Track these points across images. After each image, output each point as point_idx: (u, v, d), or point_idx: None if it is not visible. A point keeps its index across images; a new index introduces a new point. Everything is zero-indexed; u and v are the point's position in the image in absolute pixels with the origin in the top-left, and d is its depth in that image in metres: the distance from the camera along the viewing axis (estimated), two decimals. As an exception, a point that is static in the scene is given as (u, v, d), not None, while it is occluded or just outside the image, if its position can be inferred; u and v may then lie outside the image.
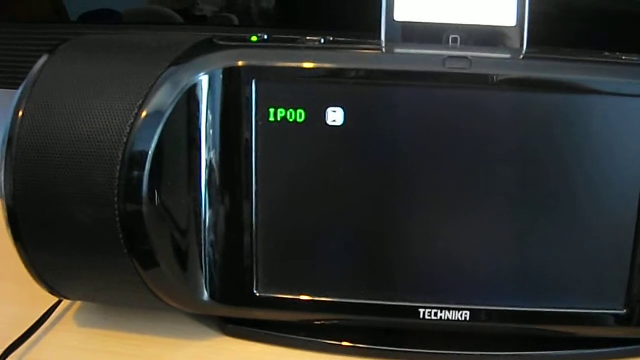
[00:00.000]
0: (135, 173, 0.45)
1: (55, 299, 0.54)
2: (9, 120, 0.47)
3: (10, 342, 0.49)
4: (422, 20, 0.49)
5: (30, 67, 0.48)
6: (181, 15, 0.82)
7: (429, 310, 0.48)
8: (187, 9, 0.83)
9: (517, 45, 0.49)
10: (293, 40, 0.48)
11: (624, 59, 0.47)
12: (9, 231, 0.47)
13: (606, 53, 0.48)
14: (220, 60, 0.46)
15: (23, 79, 0.48)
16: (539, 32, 0.50)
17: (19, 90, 0.47)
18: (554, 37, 0.54)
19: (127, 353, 0.50)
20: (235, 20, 0.82)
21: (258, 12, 0.83)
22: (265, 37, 0.49)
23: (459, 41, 0.49)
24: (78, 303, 0.56)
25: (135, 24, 0.80)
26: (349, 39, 0.49)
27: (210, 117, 0.47)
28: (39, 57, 0.49)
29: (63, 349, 0.50)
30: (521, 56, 0.48)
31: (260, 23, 0.78)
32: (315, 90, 0.46)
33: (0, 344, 0.49)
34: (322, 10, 0.72)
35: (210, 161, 0.47)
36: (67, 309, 0.55)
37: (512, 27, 0.48)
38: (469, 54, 0.45)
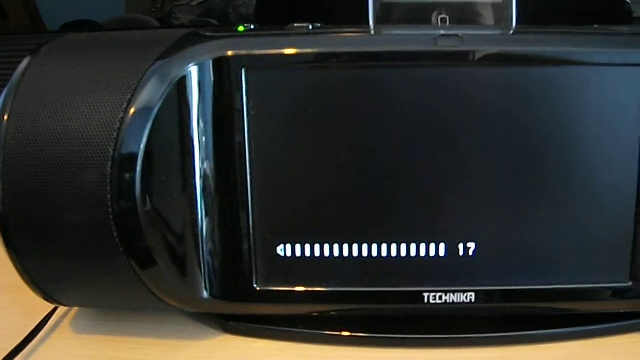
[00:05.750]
0: (128, 169, 0.44)
1: (50, 308, 0.52)
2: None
3: (5, 353, 0.47)
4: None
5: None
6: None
7: (434, 294, 0.48)
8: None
9: (506, 23, 0.48)
10: (281, 29, 0.48)
11: (615, 30, 0.47)
12: (0, 238, 0.46)
13: (595, 26, 0.48)
14: (210, 51, 0.45)
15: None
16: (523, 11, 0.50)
17: (3, 94, 0.46)
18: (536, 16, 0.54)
19: (127, 357, 0.49)
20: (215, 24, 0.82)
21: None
22: (252, 27, 0.48)
23: (448, 21, 0.48)
24: (74, 310, 0.54)
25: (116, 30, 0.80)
26: (336, 26, 0.48)
27: (201, 108, 0.46)
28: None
29: (62, 357, 0.49)
30: (512, 32, 0.47)
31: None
32: (307, 76, 0.45)
33: (-4, 357, 0.47)
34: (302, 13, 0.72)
35: (204, 153, 0.46)
36: (63, 316, 0.53)
37: (500, 3, 0.48)
38: (459, 32, 0.45)
